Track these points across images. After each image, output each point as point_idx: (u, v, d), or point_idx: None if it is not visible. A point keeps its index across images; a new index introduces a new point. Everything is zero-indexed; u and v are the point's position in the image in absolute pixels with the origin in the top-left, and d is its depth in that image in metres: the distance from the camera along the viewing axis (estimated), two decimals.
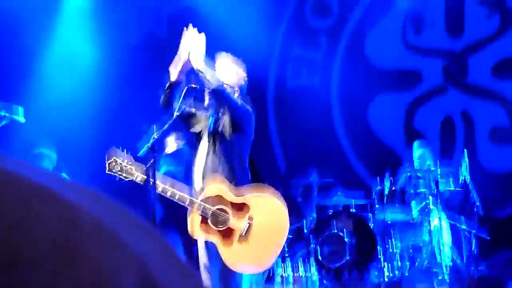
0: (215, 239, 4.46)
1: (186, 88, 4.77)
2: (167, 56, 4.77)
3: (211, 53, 4.72)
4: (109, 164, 4.30)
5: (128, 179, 4.30)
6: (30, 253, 0.50)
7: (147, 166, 4.30)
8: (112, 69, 9.05)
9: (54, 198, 0.53)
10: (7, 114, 5.45)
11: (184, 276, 0.59)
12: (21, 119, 5.59)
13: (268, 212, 4.48)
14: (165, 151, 4.78)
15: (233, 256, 4.44)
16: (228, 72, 4.75)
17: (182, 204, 4.42)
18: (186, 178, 5.22)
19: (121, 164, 4.29)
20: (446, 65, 9.20)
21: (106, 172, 4.30)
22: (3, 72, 8.48)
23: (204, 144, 4.71)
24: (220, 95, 4.54)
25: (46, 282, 0.49)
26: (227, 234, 4.45)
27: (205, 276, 4.58)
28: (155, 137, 4.76)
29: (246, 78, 4.82)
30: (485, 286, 6.72)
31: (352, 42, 9.62)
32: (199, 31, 4.47)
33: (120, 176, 4.30)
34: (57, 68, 8.79)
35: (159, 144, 4.79)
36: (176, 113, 4.84)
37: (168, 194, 4.35)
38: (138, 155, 4.56)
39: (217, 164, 4.58)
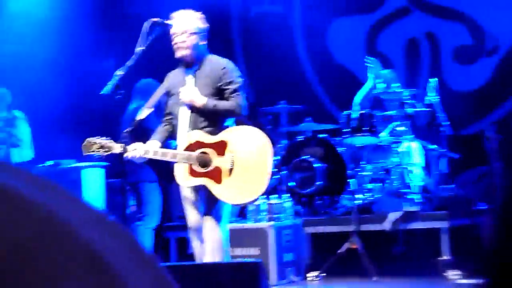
0: (205, 181, 4.66)
1: (150, 24, 4.71)
2: None
3: None
4: (84, 146, 4.68)
5: (108, 153, 4.67)
6: None
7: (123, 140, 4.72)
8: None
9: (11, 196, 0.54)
10: None
11: (142, 264, 0.60)
12: None
13: (246, 140, 4.69)
14: (138, 117, 4.86)
15: (226, 191, 4.64)
16: (188, 21, 4.78)
17: (167, 159, 4.73)
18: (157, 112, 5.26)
19: (100, 142, 4.67)
20: None
21: (84, 154, 4.72)
22: None
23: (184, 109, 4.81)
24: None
25: (7, 281, 0.50)
26: (215, 174, 4.64)
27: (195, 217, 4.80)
28: (119, 73, 4.69)
29: (206, 25, 4.88)
30: (455, 205, 6.84)
31: None
32: None
33: (99, 153, 4.67)
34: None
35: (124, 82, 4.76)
36: (140, 48, 4.77)
37: (157, 156, 4.73)
38: (101, 92, 4.61)
39: (200, 121, 4.75)
